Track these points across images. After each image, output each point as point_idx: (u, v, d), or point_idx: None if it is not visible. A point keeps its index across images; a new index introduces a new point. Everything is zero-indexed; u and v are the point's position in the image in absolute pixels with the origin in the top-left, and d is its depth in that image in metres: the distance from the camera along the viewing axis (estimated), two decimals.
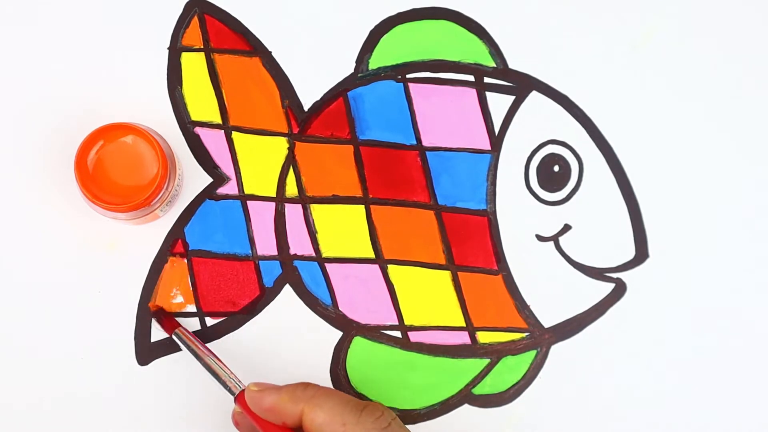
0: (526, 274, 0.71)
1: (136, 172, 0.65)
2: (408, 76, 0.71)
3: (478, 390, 0.70)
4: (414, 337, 0.70)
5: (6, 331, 0.69)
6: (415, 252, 0.70)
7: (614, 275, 0.71)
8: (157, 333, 0.70)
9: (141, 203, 0.65)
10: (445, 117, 0.71)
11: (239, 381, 0.66)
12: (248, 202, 0.70)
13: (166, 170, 0.65)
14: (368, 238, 0.70)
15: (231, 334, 0.70)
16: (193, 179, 0.70)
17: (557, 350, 0.71)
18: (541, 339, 0.71)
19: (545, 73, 0.71)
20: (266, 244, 0.70)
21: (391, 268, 0.70)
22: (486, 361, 0.71)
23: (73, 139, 0.67)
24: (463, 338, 0.70)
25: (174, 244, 0.70)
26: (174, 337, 0.68)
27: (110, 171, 0.65)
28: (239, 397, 0.65)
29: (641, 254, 0.71)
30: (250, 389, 0.64)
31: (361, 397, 0.70)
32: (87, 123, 0.68)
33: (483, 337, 0.71)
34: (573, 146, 0.71)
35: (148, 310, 0.69)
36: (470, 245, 0.70)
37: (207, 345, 0.68)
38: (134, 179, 0.65)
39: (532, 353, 0.71)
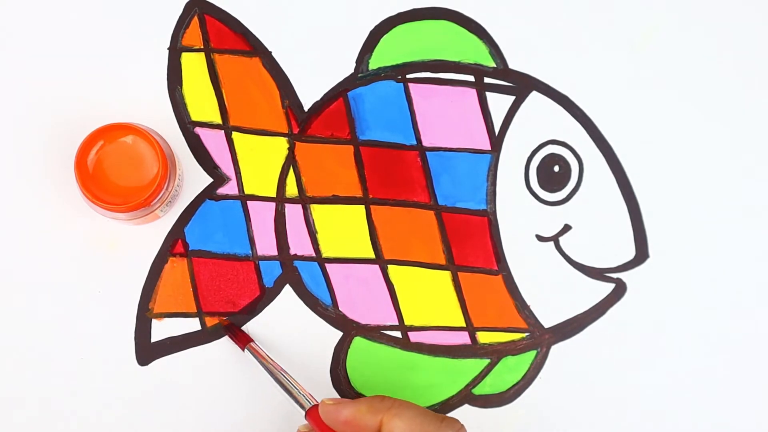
0: (526, 275, 0.71)
1: (136, 172, 0.65)
2: (408, 76, 0.71)
3: (478, 390, 0.70)
4: (414, 337, 0.70)
5: (6, 330, 0.69)
6: (415, 252, 0.70)
7: (614, 275, 0.71)
8: (157, 333, 0.70)
9: (141, 203, 0.65)
10: (445, 117, 0.71)
11: (310, 396, 0.66)
12: (248, 202, 0.70)
13: (166, 170, 0.65)
14: (368, 238, 0.70)
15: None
16: (193, 179, 0.70)
17: (557, 350, 0.71)
18: (541, 339, 0.71)
19: (545, 73, 0.71)
20: (266, 245, 0.70)
21: (391, 269, 0.70)
22: (486, 361, 0.71)
23: (73, 139, 0.67)
24: (464, 338, 0.70)
25: (174, 244, 0.70)
26: (247, 351, 0.68)
27: (110, 171, 0.65)
28: (311, 413, 0.64)
29: (641, 254, 0.71)
30: (325, 403, 0.64)
31: (360, 396, 0.70)
32: (87, 123, 0.68)
33: (483, 338, 0.71)
34: (573, 146, 0.71)
35: (217, 325, 0.69)
36: (470, 245, 0.70)
37: (277, 362, 0.68)
38: (134, 179, 0.65)
39: (532, 353, 0.71)
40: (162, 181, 0.65)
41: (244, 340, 0.68)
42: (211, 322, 0.70)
